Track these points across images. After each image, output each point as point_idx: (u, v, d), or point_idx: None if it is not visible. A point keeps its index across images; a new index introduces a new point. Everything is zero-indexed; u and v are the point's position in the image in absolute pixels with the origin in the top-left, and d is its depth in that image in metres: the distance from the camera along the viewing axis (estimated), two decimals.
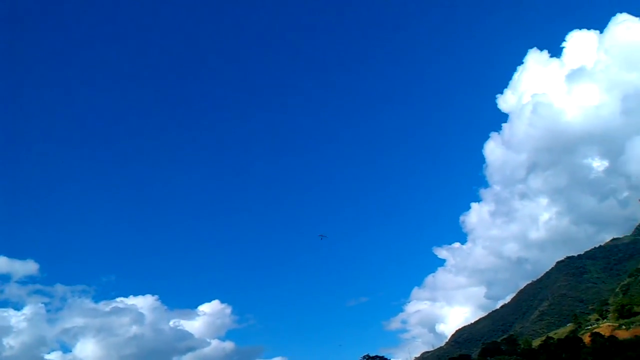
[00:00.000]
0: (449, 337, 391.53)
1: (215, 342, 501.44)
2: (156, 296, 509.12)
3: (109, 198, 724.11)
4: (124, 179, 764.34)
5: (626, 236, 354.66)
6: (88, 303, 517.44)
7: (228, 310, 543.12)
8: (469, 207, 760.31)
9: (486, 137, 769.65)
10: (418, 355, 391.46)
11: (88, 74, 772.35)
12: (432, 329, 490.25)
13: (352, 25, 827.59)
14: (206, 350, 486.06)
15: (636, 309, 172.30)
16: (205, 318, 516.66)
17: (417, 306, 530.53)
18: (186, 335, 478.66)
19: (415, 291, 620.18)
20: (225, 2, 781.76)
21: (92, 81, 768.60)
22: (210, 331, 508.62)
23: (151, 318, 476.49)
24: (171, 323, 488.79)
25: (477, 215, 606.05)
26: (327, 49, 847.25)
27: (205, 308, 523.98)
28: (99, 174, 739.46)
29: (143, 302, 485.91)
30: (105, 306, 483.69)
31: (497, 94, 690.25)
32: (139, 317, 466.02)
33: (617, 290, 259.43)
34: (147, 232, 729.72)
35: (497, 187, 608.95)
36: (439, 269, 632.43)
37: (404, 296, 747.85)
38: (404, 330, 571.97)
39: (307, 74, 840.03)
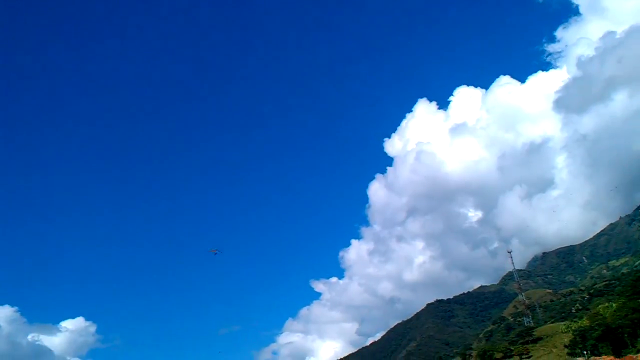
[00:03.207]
0: None
1: None
2: (15, 307, 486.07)
3: None
4: None
5: (493, 285, 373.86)
6: None
7: (93, 328, 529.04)
8: (349, 244, 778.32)
9: (371, 178, 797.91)
10: None
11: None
12: None
13: (259, 59, 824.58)
14: None
15: (497, 355, 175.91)
16: (67, 335, 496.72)
17: (290, 338, 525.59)
18: (45, 351, 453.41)
19: (289, 322, 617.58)
20: None
21: None
22: (71, 349, 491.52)
23: (8, 330, 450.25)
24: (29, 337, 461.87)
25: (356, 252, 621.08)
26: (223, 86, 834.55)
27: (68, 324, 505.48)
28: None
29: (0, 313, 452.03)
30: None
31: (385, 137, 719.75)
32: None
33: (480, 335, 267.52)
34: (8, 236, 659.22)
35: (377, 227, 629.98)
36: (314, 302, 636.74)
37: (277, 327, 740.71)
38: None
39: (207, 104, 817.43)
